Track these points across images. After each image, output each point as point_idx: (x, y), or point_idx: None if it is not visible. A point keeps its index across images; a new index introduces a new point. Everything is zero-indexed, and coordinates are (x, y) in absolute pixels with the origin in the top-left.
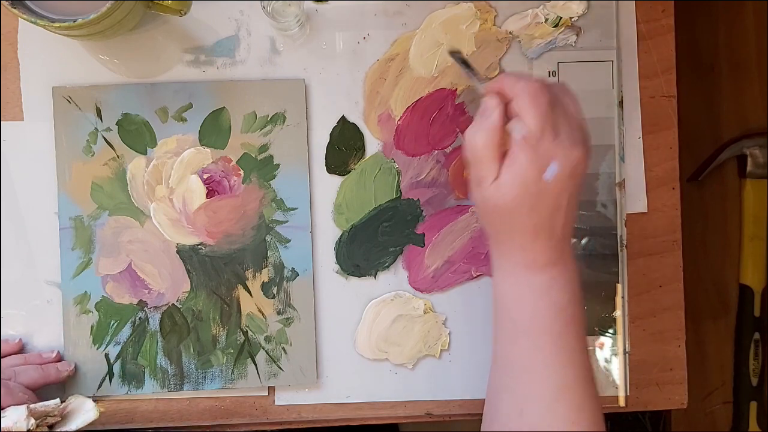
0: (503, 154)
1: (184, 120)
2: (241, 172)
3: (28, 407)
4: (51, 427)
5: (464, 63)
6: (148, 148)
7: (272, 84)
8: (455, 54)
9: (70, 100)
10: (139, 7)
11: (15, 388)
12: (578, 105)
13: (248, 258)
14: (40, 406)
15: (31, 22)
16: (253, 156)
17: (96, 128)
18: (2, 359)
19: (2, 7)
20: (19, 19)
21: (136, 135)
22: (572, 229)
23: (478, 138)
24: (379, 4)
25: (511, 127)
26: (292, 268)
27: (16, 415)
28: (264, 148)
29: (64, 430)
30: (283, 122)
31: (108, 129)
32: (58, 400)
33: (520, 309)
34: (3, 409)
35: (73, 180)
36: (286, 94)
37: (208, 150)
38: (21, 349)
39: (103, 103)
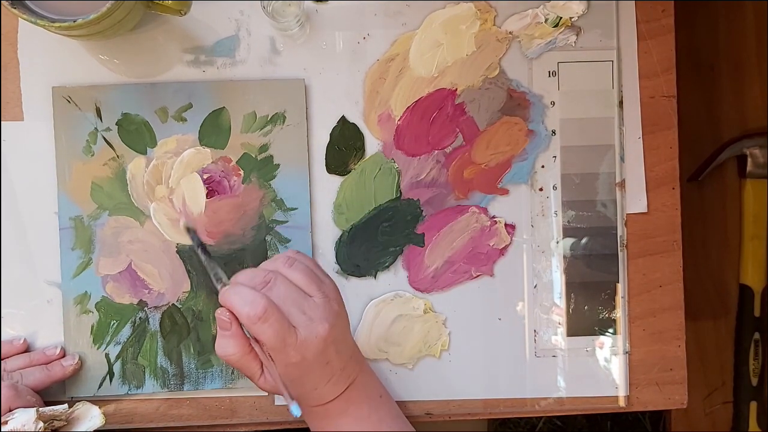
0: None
1: (183, 120)
2: (241, 172)
3: (37, 410)
4: (55, 430)
5: (201, 247)
6: (147, 148)
7: (272, 84)
8: (191, 233)
9: (69, 100)
10: (139, 7)
11: (23, 391)
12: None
13: (248, 258)
14: (49, 410)
15: (31, 22)
16: (253, 156)
17: (96, 128)
18: (8, 360)
19: (2, 7)
20: (19, 19)
21: (136, 135)
22: (351, 356)
23: (228, 350)
24: (379, 4)
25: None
26: None
27: (25, 418)
28: (264, 148)
29: None
30: (283, 122)
31: (108, 129)
32: (65, 406)
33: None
34: (11, 411)
35: (73, 180)
36: (286, 94)
37: (208, 150)
38: (26, 350)
39: (102, 103)
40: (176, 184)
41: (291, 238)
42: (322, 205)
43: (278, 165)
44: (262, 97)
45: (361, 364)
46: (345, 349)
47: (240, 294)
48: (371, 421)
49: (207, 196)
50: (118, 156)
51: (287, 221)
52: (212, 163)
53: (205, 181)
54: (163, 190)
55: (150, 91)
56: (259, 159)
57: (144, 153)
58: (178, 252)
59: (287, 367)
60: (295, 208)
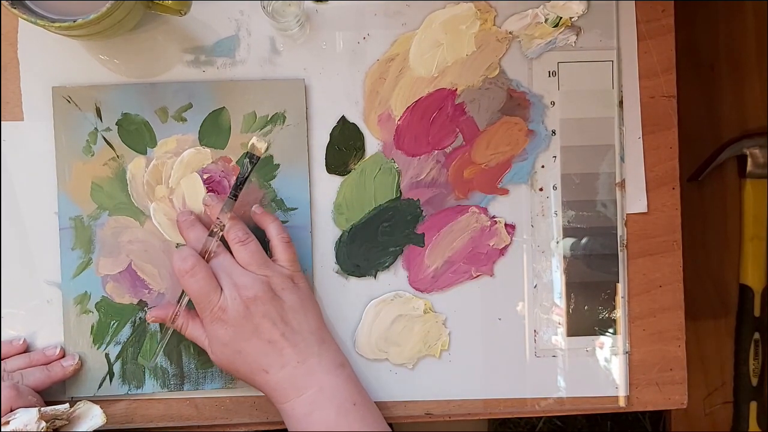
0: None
1: (183, 120)
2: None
3: (39, 410)
4: (57, 430)
5: (251, 164)
6: (147, 148)
7: (272, 84)
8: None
9: (69, 100)
10: (139, 7)
11: (24, 391)
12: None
13: None
14: (50, 409)
15: (31, 22)
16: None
17: (96, 128)
18: (8, 361)
19: (2, 7)
20: (19, 19)
21: (136, 135)
22: (303, 343)
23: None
24: (379, 4)
25: None
26: None
27: (27, 418)
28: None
29: None
30: (283, 122)
31: (108, 129)
32: (67, 405)
33: None
34: (13, 410)
35: (72, 180)
36: (285, 94)
37: (208, 150)
38: (26, 350)
39: (102, 103)
40: (176, 184)
41: (291, 238)
42: (322, 205)
43: (278, 165)
44: (262, 97)
45: (327, 364)
46: (290, 332)
47: (179, 251)
48: (338, 428)
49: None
50: (118, 156)
51: (287, 221)
52: (212, 163)
53: (205, 181)
54: (163, 190)
55: (150, 91)
56: (255, 136)
57: (144, 153)
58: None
59: (213, 323)
60: (295, 208)
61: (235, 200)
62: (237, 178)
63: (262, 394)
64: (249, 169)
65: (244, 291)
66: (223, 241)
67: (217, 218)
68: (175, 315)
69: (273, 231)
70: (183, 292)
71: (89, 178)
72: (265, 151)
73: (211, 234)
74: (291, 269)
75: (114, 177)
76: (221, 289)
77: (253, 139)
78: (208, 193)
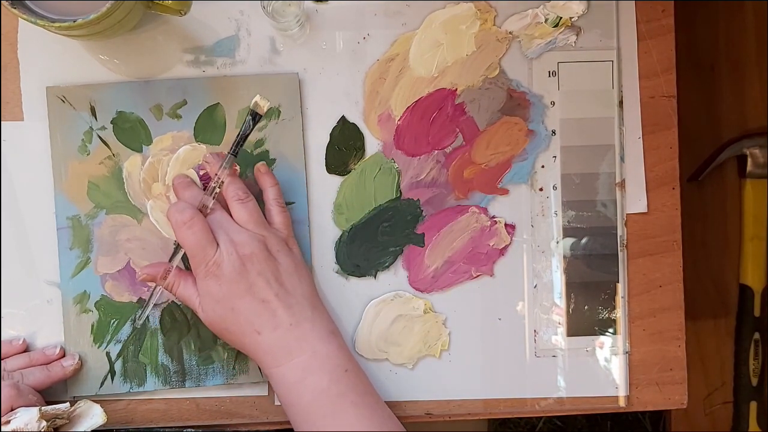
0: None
1: (178, 117)
2: (237, 167)
3: (40, 410)
4: (57, 429)
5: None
6: (143, 146)
7: (266, 79)
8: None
9: (64, 99)
10: (139, 7)
11: (24, 390)
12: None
13: None
14: (51, 409)
15: (31, 22)
16: (249, 151)
17: (91, 127)
18: (8, 360)
19: (2, 7)
20: (19, 19)
21: (131, 133)
22: (297, 305)
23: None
24: (379, 4)
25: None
26: None
27: (28, 417)
28: (259, 143)
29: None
30: (278, 117)
31: (103, 128)
32: (67, 404)
33: (290, 401)
34: (13, 410)
35: (69, 179)
36: (280, 89)
37: (203, 146)
38: (26, 350)
39: (97, 101)
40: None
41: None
42: (322, 205)
43: (274, 160)
44: (257, 93)
45: (319, 330)
46: (284, 293)
47: (176, 205)
48: (329, 394)
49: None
50: (113, 154)
51: None
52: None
53: (201, 177)
54: (160, 187)
55: (144, 88)
56: (254, 154)
57: (140, 151)
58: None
59: (207, 278)
60: (293, 203)
61: (236, 157)
62: (238, 135)
63: (263, 394)
64: (251, 127)
65: (240, 248)
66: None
67: (216, 174)
68: (167, 272)
69: (271, 194)
70: (175, 249)
71: (86, 177)
72: (267, 110)
73: (210, 190)
74: (285, 233)
75: (110, 175)
76: (217, 244)
77: (257, 97)
78: (209, 153)
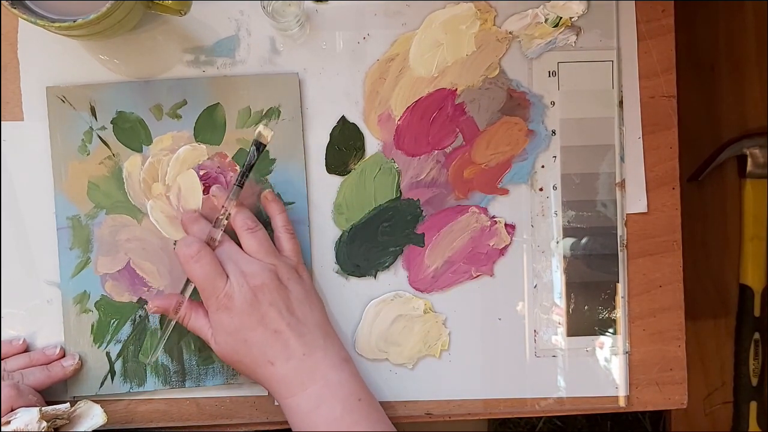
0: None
1: (178, 117)
2: (237, 167)
3: (40, 410)
4: (57, 429)
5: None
6: (143, 146)
7: (266, 79)
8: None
9: (64, 99)
10: (139, 7)
11: (25, 390)
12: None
13: None
14: (51, 409)
15: (31, 22)
16: (249, 151)
17: (91, 127)
18: (8, 360)
19: (2, 7)
20: (19, 19)
21: (131, 133)
22: (310, 334)
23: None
24: (379, 4)
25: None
26: None
27: (28, 417)
28: None
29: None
30: (278, 117)
31: (103, 128)
32: (68, 405)
33: (305, 430)
34: (14, 410)
35: (69, 179)
36: (280, 89)
37: (203, 146)
38: (26, 350)
39: (97, 101)
40: (173, 181)
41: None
42: (322, 205)
43: (274, 160)
44: (257, 93)
45: (332, 358)
46: (296, 322)
47: (183, 239)
48: (344, 423)
49: (204, 192)
50: (113, 154)
51: None
52: (208, 159)
53: (201, 178)
54: (160, 187)
55: (144, 88)
56: (261, 125)
57: (140, 151)
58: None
59: (218, 311)
60: (293, 203)
61: (241, 188)
62: (243, 166)
63: (263, 394)
64: (255, 157)
65: (251, 279)
66: (227, 233)
67: (223, 206)
68: (179, 304)
69: (279, 222)
70: (187, 281)
71: (86, 177)
72: (271, 139)
73: (217, 222)
74: (295, 260)
75: (110, 175)
76: (227, 276)
77: (260, 127)
78: (215, 185)
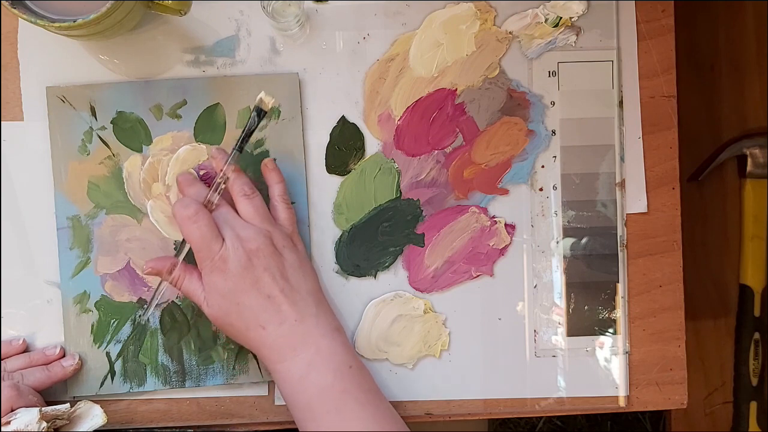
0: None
1: (178, 117)
2: (237, 167)
3: (40, 410)
4: (57, 429)
5: (258, 117)
6: (143, 146)
7: (266, 79)
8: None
9: (64, 99)
10: (139, 7)
11: (25, 390)
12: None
13: None
14: (51, 409)
15: (31, 22)
16: (249, 151)
17: (91, 127)
18: (8, 361)
19: (2, 7)
20: (19, 19)
21: (131, 133)
22: (302, 301)
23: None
24: (379, 4)
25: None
26: None
27: (28, 418)
28: (260, 143)
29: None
30: (278, 117)
31: (103, 128)
32: (68, 405)
33: (293, 398)
34: (14, 410)
35: (69, 179)
36: (280, 89)
37: (203, 146)
38: (26, 350)
39: (97, 101)
40: (173, 182)
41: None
42: (322, 205)
43: (274, 160)
44: (256, 93)
45: (324, 326)
46: (289, 289)
47: (181, 200)
48: (333, 391)
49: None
50: (113, 154)
51: None
52: (208, 159)
53: (201, 178)
54: (160, 187)
55: (144, 88)
56: (255, 154)
57: (140, 151)
58: (175, 249)
59: (212, 273)
60: (293, 203)
61: (240, 152)
62: (243, 130)
63: (263, 394)
64: (256, 122)
65: (247, 243)
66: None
67: (222, 170)
68: (173, 265)
69: (277, 191)
70: (182, 243)
71: (86, 177)
72: (272, 107)
73: (215, 186)
74: (291, 229)
75: (110, 176)
76: (223, 239)
77: (261, 94)
78: (214, 148)
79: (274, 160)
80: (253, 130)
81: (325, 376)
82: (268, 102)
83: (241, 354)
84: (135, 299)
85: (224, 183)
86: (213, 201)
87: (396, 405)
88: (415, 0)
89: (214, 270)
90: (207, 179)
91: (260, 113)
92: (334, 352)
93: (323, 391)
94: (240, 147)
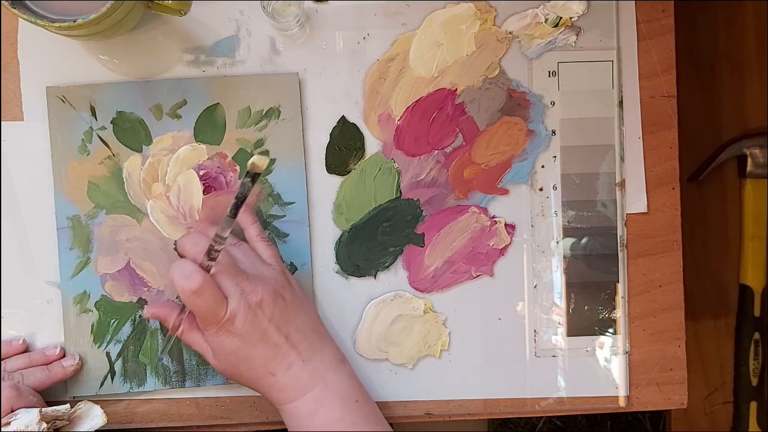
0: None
1: (178, 117)
2: (237, 167)
3: (40, 411)
4: (57, 430)
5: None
6: (143, 146)
7: (266, 79)
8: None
9: (64, 99)
10: (139, 7)
11: (25, 391)
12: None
13: None
14: (51, 410)
15: (31, 22)
16: (249, 151)
17: (91, 127)
18: (8, 361)
19: (2, 7)
20: (19, 19)
21: (131, 133)
22: (307, 342)
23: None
24: (379, 4)
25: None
26: (291, 263)
27: (29, 418)
28: (260, 143)
29: None
30: (278, 117)
31: (103, 128)
32: (68, 405)
33: None
34: (14, 411)
35: (69, 179)
36: (280, 89)
37: (203, 146)
38: (25, 350)
39: (97, 101)
40: (173, 181)
41: (289, 233)
42: (322, 205)
43: (274, 160)
44: (257, 92)
45: (329, 361)
46: (294, 332)
47: (180, 268)
48: (342, 424)
49: (204, 192)
50: (113, 154)
51: (285, 216)
52: (208, 159)
53: (201, 178)
54: (160, 187)
55: (144, 88)
56: (254, 154)
57: (140, 151)
58: (176, 249)
59: (219, 335)
60: (293, 203)
61: (234, 218)
62: (237, 197)
63: None
64: (249, 188)
65: (251, 297)
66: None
67: (217, 234)
68: (180, 321)
69: (253, 231)
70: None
71: (86, 177)
72: (265, 167)
73: (212, 252)
74: (279, 267)
75: (110, 176)
76: (225, 299)
77: (254, 158)
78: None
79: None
80: (247, 196)
81: (333, 410)
82: (262, 165)
83: None
84: (135, 299)
85: (220, 246)
86: (212, 265)
87: (396, 405)
88: (415, 0)
89: (221, 331)
90: (207, 179)
91: (254, 177)
92: (340, 386)
93: (331, 426)
94: (233, 214)
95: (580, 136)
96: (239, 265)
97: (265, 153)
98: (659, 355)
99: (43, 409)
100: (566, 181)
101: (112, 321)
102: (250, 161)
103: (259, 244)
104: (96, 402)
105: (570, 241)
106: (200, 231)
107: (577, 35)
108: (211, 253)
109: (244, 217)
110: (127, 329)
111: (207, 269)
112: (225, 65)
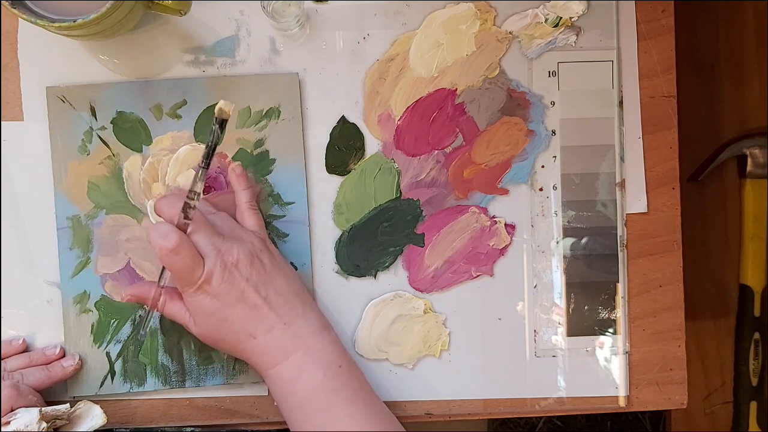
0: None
1: (178, 117)
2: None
3: (40, 410)
4: (57, 429)
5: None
6: (143, 146)
7: (266, 79)
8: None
9: (64, 99)
10: (139, 7)
11: (24, 390)
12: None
13: None
14: (51, 410)
15: (31, 22)
16: (249, 151)
17: (91, 127)
18: (8, 360)
19: (2, 7)
20: (19, 19)
21: (131, 133)
22: (288, 304)
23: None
24: (379, 4)
25: None
26: (291, 263)
27: (28, 418)
28: (259, 143)
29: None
30: (278, 117)
31: (103, 128)
32: (68, 405)
33: (285, 399)
34: (14, 410)
35: (69, 179)
36: (280, 89)
37: (203, 146)
38: (25, 350)
39: (97, 101)
40: (173, 181)
41: (289, 233)
42: (322, 205)
43: (274, 160)
44: (257, 92)
45: (312, 326)
46: (273, 294)
47: (157, 228)
48: (324, 390)
49: (204, 192)
50: (113, 154)
51: (285, 216)
52: None
53: None
54: (160, 187)
55: (144, 88)
56: (254, 154)
57: (140, 151)
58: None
59: (196, 295)
60: (293, 203)
61: (207, 169)
62: (207, 146)
63: (263, 394)
64: (218, 135)
65: (227, 256)
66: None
67: (191, 190)
68: (158, 295)
69: (244, 197)
70: (162, 270)
71: (86, 177)
72: (231, 112)
73: (187, 208)
74: (261, 234)
75: (110, 175)
76: (202, 258)
77: (220, 103)
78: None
79: (267, 163)
80: (218, 144)
81: (315, 375)
82: (228, 109)
83: None
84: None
85: (197, 200)
86: (188, 222)
87: (396, 405)
88: (415, 0)
89: (199, 292)
90: (207, 179)
91: (222, 124)
92: (323, 351)
93: (314, 391)
94: (206, 164)
95: (580, 136)
96: (216, 229)
97: (265, 153)
98: (659, 355)
99: (43, 409)
100: (566, 181)
101: (112, 321)
102: (217, 106)
103: (246, 212)
104: (96, 402)
105: (570, 241)
106: (176, 193)
107: (577, 35)
108: (187, 211)
109: (239, 181)
110: (127, 329)
111: (184, 229)
112: (225, 65)
